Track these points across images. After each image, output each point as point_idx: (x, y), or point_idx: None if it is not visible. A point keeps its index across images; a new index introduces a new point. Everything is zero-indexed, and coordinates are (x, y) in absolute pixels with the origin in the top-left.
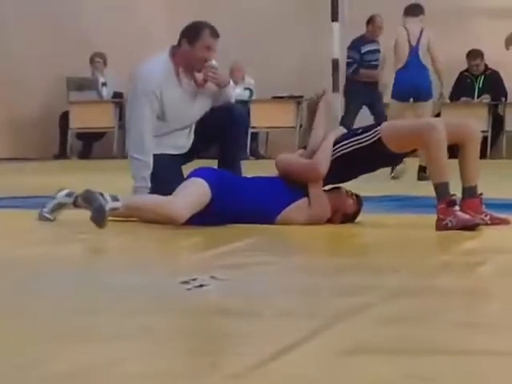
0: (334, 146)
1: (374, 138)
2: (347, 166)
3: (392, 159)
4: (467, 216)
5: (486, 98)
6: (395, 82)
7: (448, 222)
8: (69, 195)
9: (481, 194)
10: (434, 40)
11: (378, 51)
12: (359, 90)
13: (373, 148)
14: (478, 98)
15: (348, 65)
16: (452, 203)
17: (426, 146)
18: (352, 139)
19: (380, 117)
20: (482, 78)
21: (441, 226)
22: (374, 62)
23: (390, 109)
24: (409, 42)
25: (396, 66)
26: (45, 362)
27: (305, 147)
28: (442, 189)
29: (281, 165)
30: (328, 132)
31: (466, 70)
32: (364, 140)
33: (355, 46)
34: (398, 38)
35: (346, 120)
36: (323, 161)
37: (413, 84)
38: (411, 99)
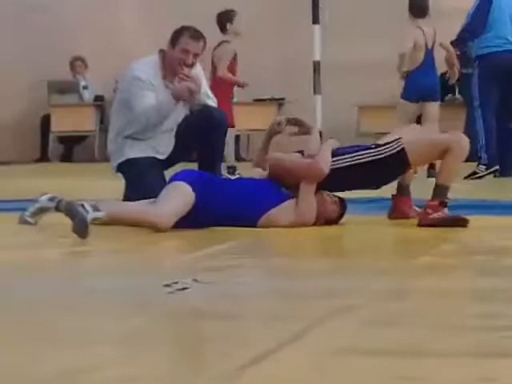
0: (341, 156)
1: (397, 149)
2: (358, 175)
3: (397, 174)
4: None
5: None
6: (409, 82)
7: (435, 216)
8: (51, 200)
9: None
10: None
11: None
12: None
13: (392, 159)
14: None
15: None
16: (445, 204)
17: (452, 150)
18: (367, 151)
19: None
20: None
21: (426, 219)
22: None
23: (399, 109)
24: (426, 44)
25: (408, 66)
26: (28, 366)
27: (302, 153)
28: (442, 190)
29: (277, 162)
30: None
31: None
32: (384, 151)
33: None
34: (416, 40)
35: None
36: (325, 161)
37: (427, 85)
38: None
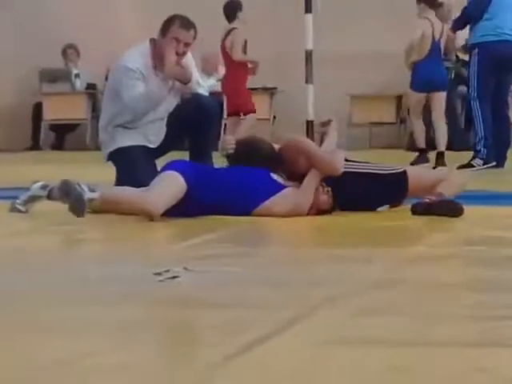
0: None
1: (400, 170)
2: (357, 185)
3: (394, 198)
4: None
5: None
6: (416, 73)
7: (428, 199)
8: (43, 188)
9: None
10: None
11: None
12: None
13: (393, 178)
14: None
15: None
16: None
17: (448, 179)
18: (370, 164)
19: None
20: (453, 69)
21: (421, 203)
22: None
23: (408, 99)
24: (433, 35)
25: (416, 57)
26: (21, 355)
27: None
28: (441, 194)
29: (298, 144)
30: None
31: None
32: (387, 169)
33: None
34: (424, 30)
35: None
36: (341, 163)
37: (433, 76)
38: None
